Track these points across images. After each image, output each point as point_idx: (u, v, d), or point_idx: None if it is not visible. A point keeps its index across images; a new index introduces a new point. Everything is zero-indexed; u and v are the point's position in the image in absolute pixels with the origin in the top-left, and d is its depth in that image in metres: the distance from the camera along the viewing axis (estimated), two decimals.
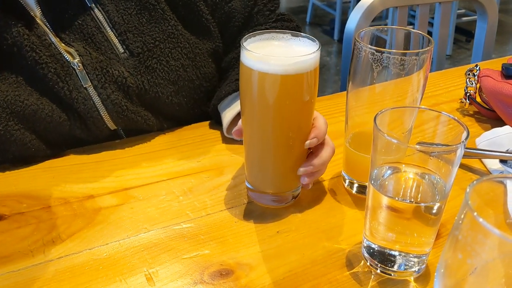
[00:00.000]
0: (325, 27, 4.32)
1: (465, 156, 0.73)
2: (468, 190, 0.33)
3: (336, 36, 4.01)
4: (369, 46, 0.58)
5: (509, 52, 3.92)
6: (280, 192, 0.64)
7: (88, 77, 0.71)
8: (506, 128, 0.75)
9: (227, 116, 0.75)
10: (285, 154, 0.62)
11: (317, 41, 0.60)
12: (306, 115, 0.61)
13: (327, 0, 4.39)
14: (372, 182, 0.52)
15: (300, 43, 0.61)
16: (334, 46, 3.92)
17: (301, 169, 0.62)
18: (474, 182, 0.34)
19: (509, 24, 4.46)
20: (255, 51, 0.56)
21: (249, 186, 0.65)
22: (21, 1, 0.67)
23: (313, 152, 0.64)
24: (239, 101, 0.75)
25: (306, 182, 0.63)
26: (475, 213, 0.32)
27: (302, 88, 0.58)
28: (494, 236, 0.31)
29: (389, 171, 0.54)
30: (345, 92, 0.66)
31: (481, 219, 0.32)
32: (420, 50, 0.58)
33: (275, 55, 0.58)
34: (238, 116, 0.76)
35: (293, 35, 0.61)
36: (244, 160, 0.65)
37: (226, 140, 0.78)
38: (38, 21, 0.68)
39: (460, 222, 0.34)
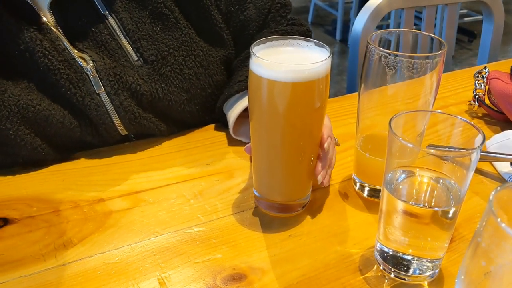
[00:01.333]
0: (327, 27, 4.31)
1: None
2: (491, 197, 0.33)
3: (338, 36, 4.01)
4: (382, 49, 0.58)
5: None
6: (289, 201, 0.63)
7: (101, 83, 0.70)
8: None
9: (231, 116, 0.75)
10: (295, 163, 0.61)
11: (327, 48, 0.58)
12: (317, 123, 0.60)
13: (329, 1, 4.39)
14: (386, 186, 0.52)
15: (310, 50, 0.60)
16: (336, 46, 3.92)
17: (319, 177, 0.61)
18: (498, 188, 0.33)
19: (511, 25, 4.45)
20: (264, 58, 0.55)
21: (256, 194, 0.64)
22: (33, 6, 0.66)
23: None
24: (241, 101, 0.75)
25: (325, 184, 0.62)
26: (499, 219, 0.32)
27: (313, 96, 0.56)
28: None
29: (403, 175, 0.54)
30: (354, 94, 0.66)
31: (503, 225, 0.32)
32: (433, 54, 0.58)
33: (285, 62, 0.56)
34: (241, 115, 0.76)
35: (303, 41, 0.60)
36: (252, 168, 0.64)
37: (236, 143, 0.77)
38: (51, 26, 0.68)
39: (482, 229, 0.34)
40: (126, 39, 0.72)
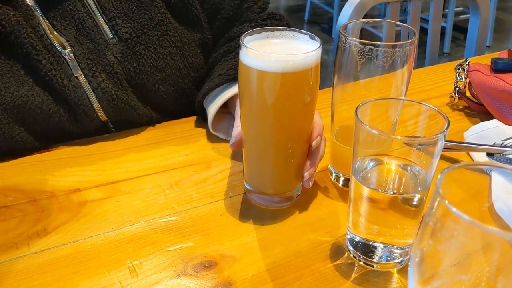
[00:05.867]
0: (323, 25, 4.32)
1: (453, 149, 0.73)
2: (439, 177, 0.33)
3: (334, 34, 4.02)
4: (353, 38, 0.58)
5: None
6: (280, 193, 0.63)
7: (79, 66, 0.73)
8: (494, 122, 0.75)
9: (210, 111, 0.75)
10: (286, 155, 0.60)
11: (318, 38, 0.58)
12: (308, 115, 0.60)
13: None
14: (355, 174, 0.52)
15: (300, 41, 0.60)
16: (332, 44, 3.92)
17: (306, 174, 0.61)
18: (445, 170, 0.34)
19: (507, 22, 4.46)
20: (254, 49, 0.55)
21: (248, 187, 0.64)
22: None
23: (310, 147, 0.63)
24: (222, 95, 0.75)
25: (310, 184, 0.62)
26: (446, 202, 0.32)
27: (303, 87, 0.56)
28: (463, 222, 0.31)
29: (371, 163, 0.54)
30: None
31: (454, 209, 0.32)
32: (404, 42, 0.58)
33: (275, 52, 0.56)
34: (221, 110, 0.76)
35: (293, 32, 0.60)
36: (244, 161, 0.64)
37: (215, 135, 0.78)
38: (34, 12, 0.71)
39: (432, 210, 0.34)
40: (102, 17, 0.75)
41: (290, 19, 0.99)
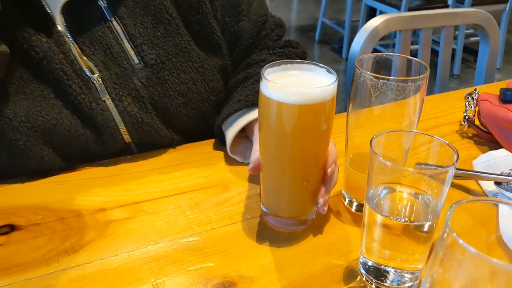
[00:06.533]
0: (333, 45, 4.37)
1: (462, 177, 0.76)
2: (448, 213, 0.36)
3: (344, 54, 4.07)
4: (368, 72, 0.62)
5: None
6: (296, 216, 0.66)
7: (107, 91, 0.76)
8: (501, 151, 0.78)
9: (229, 135, 0.79)
10: (302, 180, 0.64)
11: (334, 72, 0.62)
12: (323, 144, 0.63)
13: (336, 19, 4.45)
14: (368, 201, 0.55)
15: (317, 73, 0.63)
16: (342, 64, 3.97)
17: (321, 200, 0.64)
18: (454, 205, 0.37)
19: None
20: (274, 81, 0.58)
21: (264, 209, 0.67)
22: (48, 10, 0.72)
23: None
24: (240, 119, 0.78)
25: (325, 210, 0.65)
26: (454, 234, 0.35)
27: (319, 118, 0.60)
28: (470, 254, 0.34)
29: (384, 191, 0.57)
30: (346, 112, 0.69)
31: (461, 241, 0.35)
32: (416, 77, 0.61)
33: (293, 85, 0.60)
34: (239, 134, 0.79)
35: (311, 65, 0.63)
36: (261, 184, 0.67)
37: (232, 158, 0.81)
38: (65, 38, 0.75)
39: (443, 241, 0.37)
40: (129, 43, 0.78)
41: (301, 39, 1.02)
